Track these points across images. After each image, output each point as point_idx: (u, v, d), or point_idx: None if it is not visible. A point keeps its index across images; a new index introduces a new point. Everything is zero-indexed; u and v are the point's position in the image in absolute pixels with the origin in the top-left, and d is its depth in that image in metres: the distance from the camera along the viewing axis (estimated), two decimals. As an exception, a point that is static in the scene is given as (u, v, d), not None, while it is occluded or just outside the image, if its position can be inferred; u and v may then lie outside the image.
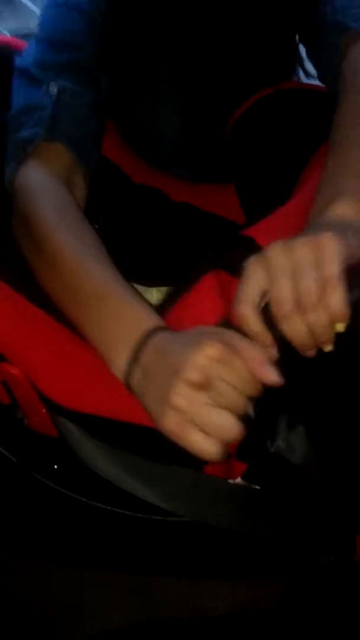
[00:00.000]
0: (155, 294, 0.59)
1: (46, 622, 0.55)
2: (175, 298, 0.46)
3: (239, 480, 0.44)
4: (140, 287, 0.59)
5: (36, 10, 1.69)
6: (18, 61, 0.57)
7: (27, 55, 0.57)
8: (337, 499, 0.45)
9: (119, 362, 0.41)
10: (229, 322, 0.41)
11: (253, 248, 0.44)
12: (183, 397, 0.37)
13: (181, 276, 0.46)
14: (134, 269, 0.57)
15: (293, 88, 0.56)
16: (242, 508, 0.47)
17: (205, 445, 0.37)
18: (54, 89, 0.53)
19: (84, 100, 0.55)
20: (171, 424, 0.38)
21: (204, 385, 0.37)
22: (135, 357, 0.40)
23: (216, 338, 0.38)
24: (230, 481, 0.44)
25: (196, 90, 0.65)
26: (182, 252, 0.62)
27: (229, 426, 0.37)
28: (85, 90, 0.55)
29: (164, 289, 0.59)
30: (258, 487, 0.44)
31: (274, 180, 0.53)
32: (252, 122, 0.56)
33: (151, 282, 0.60)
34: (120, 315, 0.42)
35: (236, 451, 0.42)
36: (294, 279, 0.37)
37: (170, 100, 0.66)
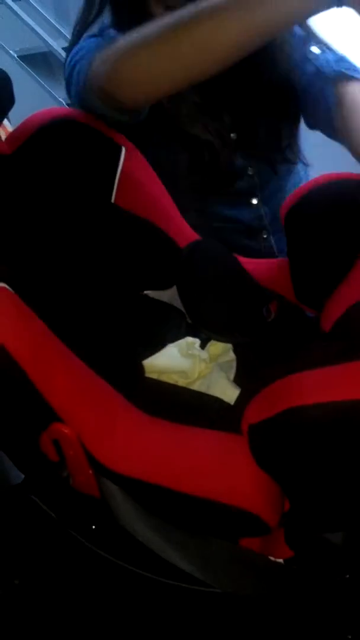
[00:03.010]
0: (211, 349, 0.61)
1: None
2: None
3: (280, 560, 0.44)
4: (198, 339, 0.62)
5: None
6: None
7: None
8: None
9: None
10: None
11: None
12: None
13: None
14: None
15: (345, 178, 0.59)
16: (276, 583, 0.47)
17: None
18: None
19: None
20: None
21: None
22: None
23: None
24: (270, 557, 0.45)
25: None
26: (244, 314, 0.64)
27: None
28: None
29: (220, 346, 0.61)
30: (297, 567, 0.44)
31: (328, 263, 0.56)
32: (306, 209, 0.59)
33: (219, 335, 0.62)
34: None
35: (286, 537, 0.43)
36: None
37: None
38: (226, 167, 0.75)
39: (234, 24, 0.50)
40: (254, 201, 0.83)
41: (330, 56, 0.74)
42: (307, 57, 0.76)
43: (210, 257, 0.62)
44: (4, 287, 0.46)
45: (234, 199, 0.80)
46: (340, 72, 0.69)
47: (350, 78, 0.70)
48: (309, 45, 0.75)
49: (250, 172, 0.82)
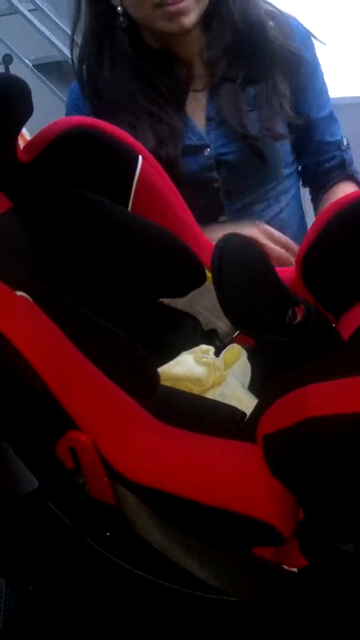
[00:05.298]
0: (225, 357, 0.62)
1: None
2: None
3: (294, 569, 0.44)
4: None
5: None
6: None
7: None
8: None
9: None
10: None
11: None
12: None
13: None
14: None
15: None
16: (290, 593, 0.47)
17: None
18: None
19: None
20: None
21: None
22: None
23: None
24: (285, 567, 0.45)
25: None
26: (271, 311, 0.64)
27: None
28: None
29: (234, 353, 0.62)
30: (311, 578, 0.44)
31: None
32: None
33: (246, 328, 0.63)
34: None
35: (300, 546, 0.43)
36: None
37: None
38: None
39: None
40: (216, 185, 0.93)
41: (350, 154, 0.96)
42: (337, 141, 0.95)
43: (243, 250, 0.63)
44: (24, 296, 0.47)
45: (195, 186, 0.87)
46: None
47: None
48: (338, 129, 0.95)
49: (206, 153, 0.92)
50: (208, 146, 0.91)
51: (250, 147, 0.89)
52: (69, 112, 0.94)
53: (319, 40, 0.95)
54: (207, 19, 0.87)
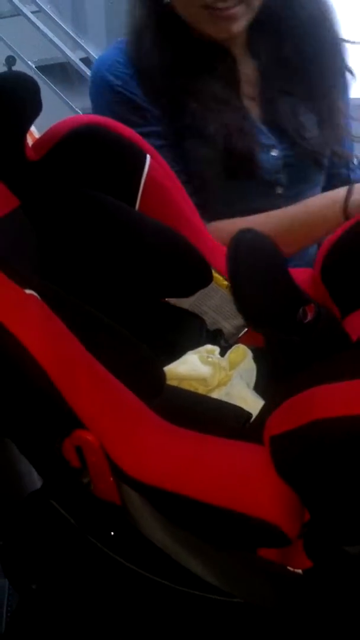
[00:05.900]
0: (231, 357, 0.61)
1: None
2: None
3: (298, 571, 0.44)
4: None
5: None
6: None
7: None
8: None
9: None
10: None
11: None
12: None
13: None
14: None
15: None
16: (294, 594, 0.47)
17: None
18: None
19: None
20: None
21: None
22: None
23: None
24: (290, 568, 0.44)
25: None
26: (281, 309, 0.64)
27: None
28: None
29: (240, 354, 0.61)
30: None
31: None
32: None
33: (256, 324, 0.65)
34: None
35: (305, 548, 0.43)
36: None
37: None
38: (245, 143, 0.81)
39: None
40: (279, 190, 0.86)
41: None
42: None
43: (258, 248, 0.63)
44: (33, 295, 0.47)
45: (257, 187, 0.83)
46: None
47: None
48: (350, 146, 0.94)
49: (274, 153, 0.84)
50: (275, 147, 0.86)
51: (309, 153, 0.86)
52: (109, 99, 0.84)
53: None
54: (263, 25, 0.82)
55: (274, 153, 0.85)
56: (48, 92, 2.31)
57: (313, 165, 0.87)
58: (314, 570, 0.44)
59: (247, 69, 0.86)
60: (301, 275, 0.66)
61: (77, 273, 0.59)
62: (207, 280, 0.66)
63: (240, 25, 0.77)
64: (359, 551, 0.45)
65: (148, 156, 0.63)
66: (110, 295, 0.60)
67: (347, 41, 0.88)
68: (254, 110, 0.87)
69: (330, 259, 0.64)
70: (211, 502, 0.45)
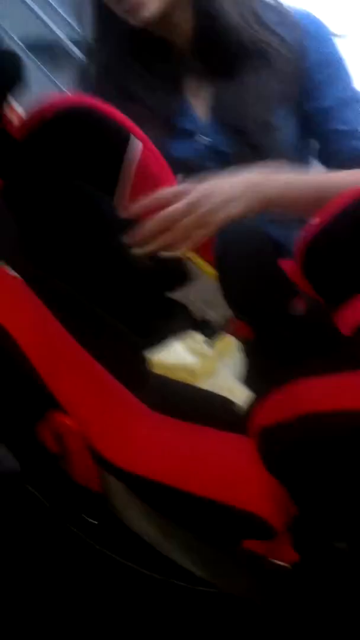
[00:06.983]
0: (217, 347, 0.61)
1: None
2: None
3: (283, 563, 0.44)
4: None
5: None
6: None
7: None
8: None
9: None
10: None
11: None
12: None
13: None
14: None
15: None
16: (276, 585, 0.47)
17: None
18: None
19: None
20: None
21: None
22: None
23: None
24: (274, 561, 0.44)
25: None
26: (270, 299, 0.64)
27: None
28: None
29: (226, 344, 0.61)
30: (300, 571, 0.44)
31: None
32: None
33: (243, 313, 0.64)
34: None
35: (294, 542, 0.42)
36: None
37: None
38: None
39: None
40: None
41: None
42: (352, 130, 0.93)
43: (247, 240, 0.62)
44: (16, 277, 0.46)
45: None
46: None
47: None
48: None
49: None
50: (203, 133, 0.90)
51: (246, 139, 0.88)
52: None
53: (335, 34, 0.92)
54: (194, 9, 0.87)
55: (200, 139, 0.90)
56: (35, 71, 2.28)
57: (251, 150, 0.89)
58: (301, 564, 0.44)
59: (194, 64, 0.91)
60: (292, 266, 0.65)
61: (60, 261, 0.58)
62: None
63: (150, 11, 0.82)
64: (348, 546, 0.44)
65: (139, 142, 0.62)
66: (93, 282, 0.59)
67: (338, 35, 0.93)
68: (198, 103, 0.92)
69: (311, 255, 0.63)
70: (196, 493, 0.44)
